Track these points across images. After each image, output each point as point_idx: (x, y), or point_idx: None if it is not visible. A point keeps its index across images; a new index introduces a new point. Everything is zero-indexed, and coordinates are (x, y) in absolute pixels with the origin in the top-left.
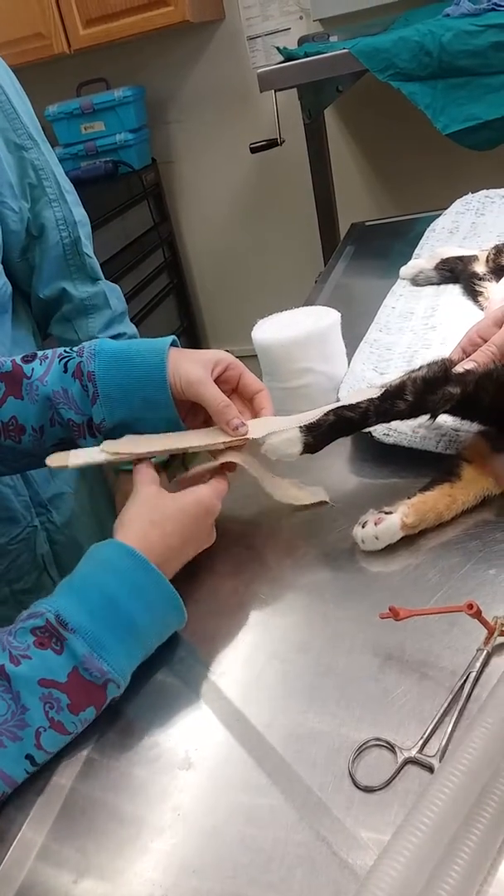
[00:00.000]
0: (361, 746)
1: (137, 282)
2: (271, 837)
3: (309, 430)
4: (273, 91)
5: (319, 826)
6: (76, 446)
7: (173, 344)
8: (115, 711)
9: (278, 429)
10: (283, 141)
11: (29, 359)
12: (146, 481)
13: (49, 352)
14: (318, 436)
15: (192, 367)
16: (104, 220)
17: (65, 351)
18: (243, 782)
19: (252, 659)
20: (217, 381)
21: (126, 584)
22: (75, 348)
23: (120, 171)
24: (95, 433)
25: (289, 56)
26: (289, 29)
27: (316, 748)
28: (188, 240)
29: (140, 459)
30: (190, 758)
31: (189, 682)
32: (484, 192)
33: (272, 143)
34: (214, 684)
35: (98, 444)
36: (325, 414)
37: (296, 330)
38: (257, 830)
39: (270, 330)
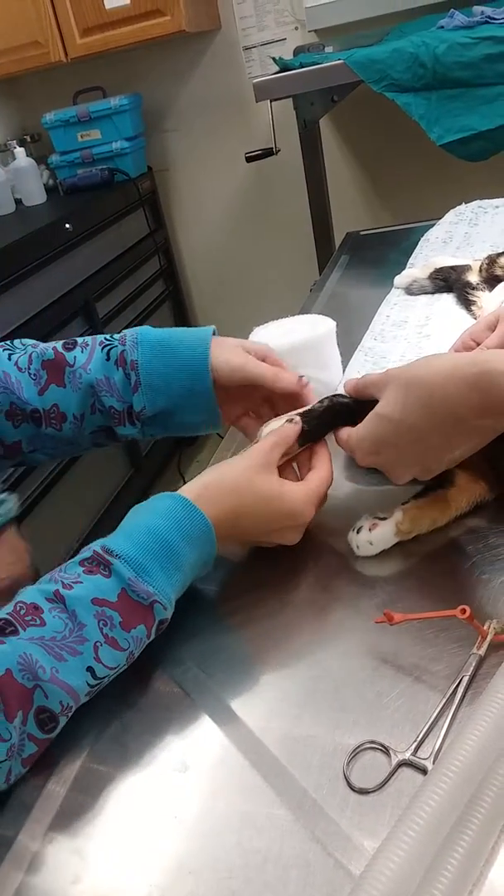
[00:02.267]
0: (356, 749)
1: (133, 289)
2: (267, 839)
3: (302, 417)
4: (269, 101)
5: (314, 828)
6: (114, 433)
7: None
8: (112, 712)
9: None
10: (279, 150)
11: (70, 346)
12: (265, 450)
13: (89, 339)
14: (312, 422)
15: (234, 354)
16: (100, 228)
17: (106, 338)
18: (239, 785)
19: (247, 663)
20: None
21: (165, 518)
22: (116, 336)
23: (116, 179)
24: (135, 420)
25: (284, 66)
26: (284, 39)
27: (311, 751)
28: (184, 247)
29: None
30: (186, 761)
31: (184, 685)
32: (477, 202)
33: (268, 152)
34: (210, 688)
35: (137, 432)
36: (319, 402)
37: (292, 338)
38: (253, 832)
39: (266, 337)
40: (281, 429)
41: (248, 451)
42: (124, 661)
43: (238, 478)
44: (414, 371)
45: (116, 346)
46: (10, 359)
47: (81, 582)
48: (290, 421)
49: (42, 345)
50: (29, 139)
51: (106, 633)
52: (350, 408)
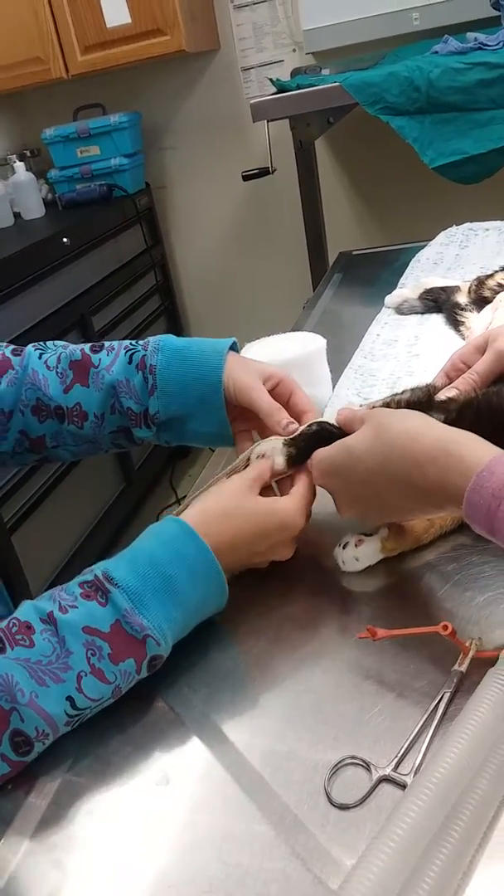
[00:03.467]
0: (337, 765)
1: (129, 303)
2: (247, 854)
3: (292, 441)
4: (266, 121)
5: (295, 843)
6: (132, 435)
7: (232, 347)
8: (94, 727)
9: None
10: (275, 169)
11: (97, 349)
12: (247, 476)
13: (115, 343)
14: (300, 446)
15: (245, 375)
16: (97, 243)
17: (130, 343)
18: (221, 799)
19: (231, 677)
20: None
21: (171, 551)
22: (140, 342)
23: (114, 195)
24: (150, 424)
25: (281, 87)
26: (282, 61)
27: (293, 766)
28: (180, 263)
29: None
30: (168, 774)
31: (167, 699)
32: (468, 224)
33: (264, 172)
34: (193, 702)
35: (152, 435)
36: (309, 425)
37: (282, 355)
38: (233, 847)
39: (258, 354)
40: (263, 461)
41: (229, 480)
42: (109, 694)
43: (227, 503)
44: (390, 419)
45: (139, 350)
46: (40, 358)
47: (77, 607)
48: (261, 456)
49: (72, 346)
50: (29, 154)
51: (93, 663)
52: (336, 437)
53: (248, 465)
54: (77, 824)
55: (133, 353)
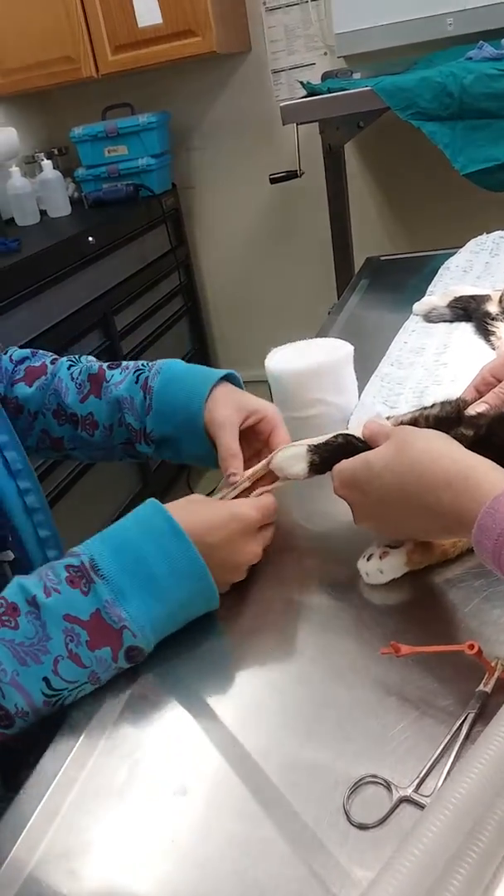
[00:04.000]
0: (357, 783)
1: (152, 303)
2: (264, 870)
3: (316, 449)
4: (295, 124)
5: (313, 861)
6: (135, 449)
7: (233, 379)
8: (113, 733)
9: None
10: (303, 173)
11: (114, 366)
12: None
13: (131, 363)
14: (323, 456)
15: (223, 410)
16: (123, 242)
17: (141, 365)
18: (238, 812)
19: (251, 689)
20: (250, 430)
21: (157, 546)
22: (150, 363)
23: (140, 195)
24: (149, 441)
25: (312, 91)
26: (313, 64)
27: (312, 781)
28: (204, 265)
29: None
30: (186, 785)
31: (188, 708)
32: (499, 232)
33: (292, 175)
34: (213, 712)
35: (152, 452)
36: (334, 436)
37: (309, 361)
38: (250, 862)
39: (284, 360)
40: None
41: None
42: (85, 678)
43: (180, 503)
44: (413, 439)
45: (145, 371)
46: (69, 369)
47: (60, 592)
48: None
49: (95, 361)
50: (56, 152)
51: (70, 648)
52: (360, 450)
53: (268, 468)
54: (92, 833)
55: (140, 374)
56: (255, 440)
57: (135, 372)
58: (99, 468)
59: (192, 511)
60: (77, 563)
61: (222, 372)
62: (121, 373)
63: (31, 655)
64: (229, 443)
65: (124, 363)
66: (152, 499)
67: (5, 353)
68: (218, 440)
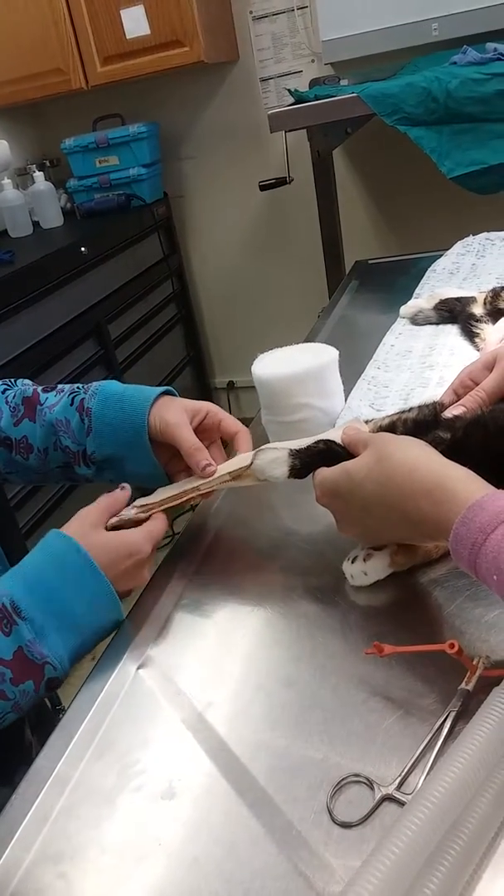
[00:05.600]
0: (340, 782)
1: (146, 312)
2: (250, 870)
3: (297, 454)
4: (283, 131)
5: (298, 860)
6: (74, 472)
7: (170, 393)
8: (101, 739)
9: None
10: (292, 179)
11: (48, 389)
12: (95, 510)
13: (66, 386)
14: (304, 461)
15: (171, 413)
16: (115, 252)
17: (77, 387)
18: (225, 814)
19: (238, 691)
20: (198, 429)
21: (75, 585)
22: (85, 385)
23: (132, 204)
24: (89, 463)
25: (300, 98)
26: (300, 71)
27: (298, 782)
28: (196, 272)
29: (164, 508)
30: (173, 787)
31: (176, 712)
32: (485, 234)
33: (281, 182)
34: (200, 715)
35: (92, 473)
36: (316, 442)
37: (294, 366)
38: (237, 863)
39: (270, 365)
40: (111, 494)
41: (76, 516)
42: (10, 708)
43: (81, 541)
44: (391, 448)
45: (80, 393)
46: (2, 393)
47: None
48: (122, 489)
49: (30, 384)
50: (48, 163)
51: None
52: (341, 457)
53: (250, 468)
54: (82, 837)
55: (75, 396)
56: (204, 438)
57: (70, 394)
58: (80, 493)
59: (96, 544)
60: None
61: (162, 389)
62: (55, 395)
63: None
64: (190, 438)
65: (60, 386)
66: (57, 531)
67: None
68: (177, 439)
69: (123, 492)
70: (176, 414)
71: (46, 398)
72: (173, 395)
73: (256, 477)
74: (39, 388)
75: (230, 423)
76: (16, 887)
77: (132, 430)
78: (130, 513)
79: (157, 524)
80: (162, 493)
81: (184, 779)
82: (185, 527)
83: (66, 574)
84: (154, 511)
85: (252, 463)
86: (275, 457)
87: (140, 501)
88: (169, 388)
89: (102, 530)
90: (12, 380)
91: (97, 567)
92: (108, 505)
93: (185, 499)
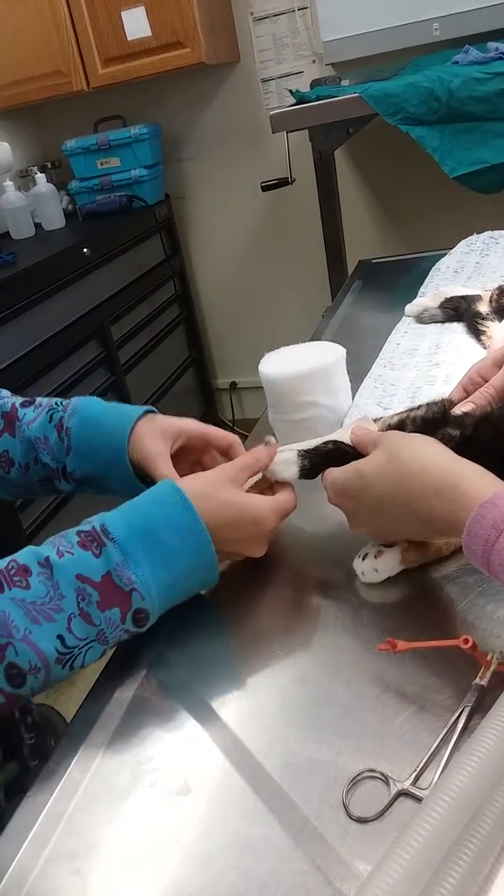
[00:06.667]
0: (355, 777)
1: (148, 313)
2: (266, 865)
3: (306, 454)
4: (285, 132)
5: (315, 855)
6: (54, 485)
7: (151, 411)
8: (114, 736)
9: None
10: (294, 180)
11: (27, 404)
12: (232, 467)
13: (45, 401)
14: (314, 461)
15: (151, 444)
16: (117, 253)
17: (55, 403)
18: (240, 810)
19: (251, 687)
20: (184, 448)
21: (166, 516)
22: (64, 402)
23: (134, 206)
24: (69, 479)
25: (301, 99)
26: (302, 72)
27: (312, 777)
28: (198, 273)
29: None
30: (188, 783)
31: (189, 709)
32: (489, 233)
33: (283, 182)
34: (214, 712)
35: (73, 488)
36: (324, 442)
37: (301, 365)
38: (253, 858)
39: (277, 364)
40: (254, 450)
41: (217, 467)
42: (95, 636)
43: (208, 488)
44: (401, 447)
45: (59, 411)
46: None
47: (73, 554)
48: (267, 444)
49: (8, 397)
50: (50, 165)
51: (82, 607)
52: (350, 456)
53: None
54: (97, 834)
55: (54, 413)
56: (188, 456)
57: (48, 411)
58: (79, 499)
59: (214, 499)
60: (88, 529)
61: (141, 409)
62: (34, 411)
63: (44, 614)
64: (166, 472)
65: (38, 400)
66: (169, 479)
67: None
68: (155, 475)
69: (269, 448)
70: (154, 445)
71: (25, 413)
72: (154, 412)
73: (268, 479)
74: (18, 403)
75: (217, 436)
76: (31, 885)
77: (112, 452)
78: None
79: (287, 497)
80: None
81: (198, 775)
82: None
83: (161, 507)
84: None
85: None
86: (285, 458)
87: None
88: (150, 407)
89: (232, 488)
90: None
91: (190, 503)
92: (247, 464)
93: None
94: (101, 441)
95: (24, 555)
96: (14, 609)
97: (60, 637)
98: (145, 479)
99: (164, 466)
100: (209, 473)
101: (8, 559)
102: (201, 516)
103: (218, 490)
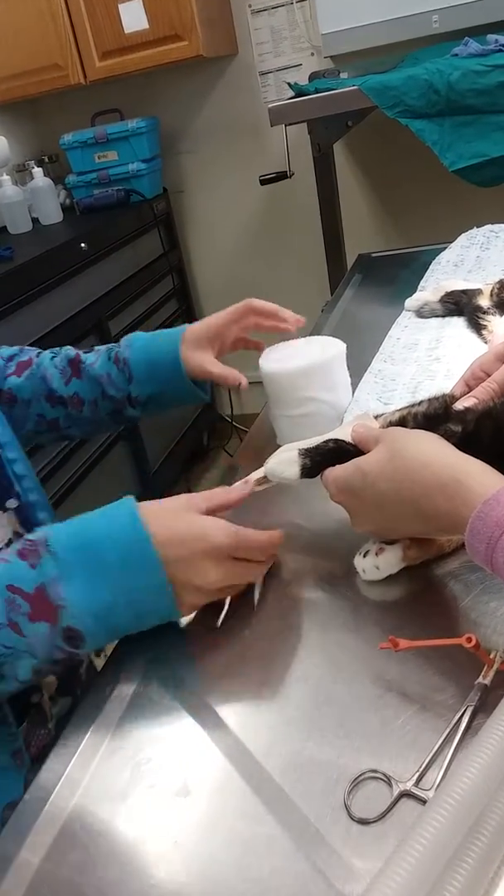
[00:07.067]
0: (357, 778)
1: (146, 308)
2: (268, 867)
3: (307, 453)
4: (283, 125)
5: (316, 857)
6: (123, 415)
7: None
8: (116, 736)
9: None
10: (293, 173)
11: (87, 351)
12: (197, 496)
13: (100, 347)
14: (315, 460)
15: (196, 355)
16: (115, 247)
17: (109, 346)
18: (241, 811)
19: (251, 687)
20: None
21: (111, 533)
22: (117, 343)
23: (132, 200)
24: (135, 404)
25: (300, 91)
26: (300, 65)
27: (314, 778)
28: (197, 268)
29: None
30: (188, 785)
31: (189, 709)
32: (489, 226)
33: (282, 176)
34: (214, 712)
35: (138, 412)
36: (325, 441)
37: (301, 360)
38: (254, 860)
39: (276, 359)
40: (230, 487)
41: (182, 496)
42: (24, 648)
43: (161, 508)
44: (404, 443)
45: (115, 348)
46: (51, 359)
47: (9, 562)
48: (246, 482)
49: (72, 349)
50: (47, 159)
51: (11, 616)
52: (351, 454)
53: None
54: (96, 833)
55: (111, 351)
56: (238, 333)
57: (106, 351)
58: (98, 473)
59: (164, 516)
60: (33, 538)
61: (182, 328)
62: (94, 355)
63: None
64: (216, 371)
65: (96, 347)
66: (127, 496)
67: None
68: (209, 375)
69: (245, 486)
70: (198, 356)
71: (87, 357)
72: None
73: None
74: (81, 352)
75: (240, 312)
76: (30, 886)
77: (169, 369)
78: None
79: (249, 536)
80: None
81: (198, 776)
82: None
83: (110, 524)
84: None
85: (266, 467)
86: (286, 457)
87: None
88: (183, 327)
89: (187, 511)
90: (58, 348)
91: (140, 523)
92: (213, 496)
93: None
94: (156, 363)
95: None
96: None
97: None
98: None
99: (211, 367)
100: (171, 499)
101: None
102: (149, 534)
103: (171, 511)
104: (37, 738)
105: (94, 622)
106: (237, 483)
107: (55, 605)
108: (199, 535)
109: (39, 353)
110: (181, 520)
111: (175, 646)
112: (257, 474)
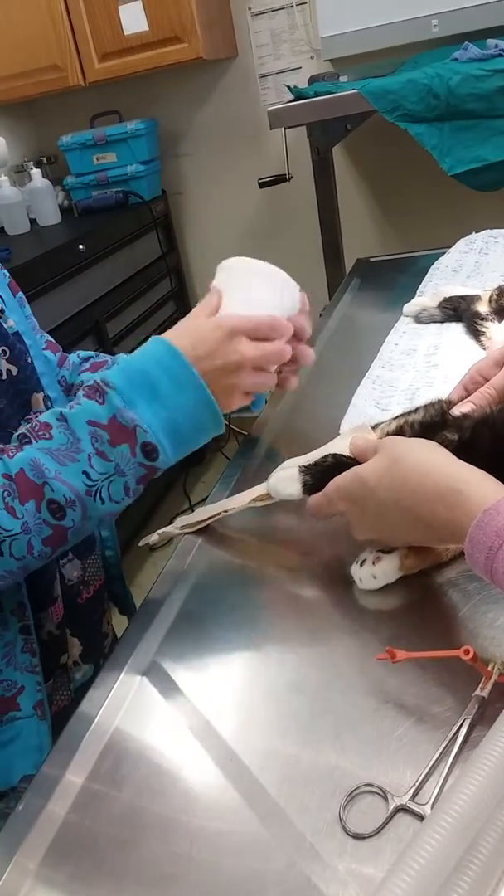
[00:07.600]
0: (353, 792)
1: (144, 310)
2: (261, 882)
3: (307, 470)
4: (283, 128)
5: (311, 872)
6: None
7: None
8: (107, 748)
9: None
10: (292, 177)
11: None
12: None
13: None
14: (316, 476)
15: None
16: (113, 249)
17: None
18: (236, 824)
19: (247, 698)
20: None
21: (156, 363)
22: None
23: (130, 202)
24: None
25: (299, 95)
26: (300, 68)
27: (309, 791)
28: (195, 270)
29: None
30: (184, 800)
31: (182, 720)
32: (488, 231)
33: (280, 179)
34: (208, 723)
35: None
36: (325, 457)
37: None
38: (248, 874)
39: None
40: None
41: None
42: (113, 470)
43: (187, 328)
44: (403, 452)
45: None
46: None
47: (81, 404)
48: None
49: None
50: (45, 161)
51: (97, 447)
52: (350, 468)
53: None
54: (89, 852)
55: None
56: None
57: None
58: None
59: (182, 331)
60: (91, 384)
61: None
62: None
63: (68, 457)
64: None
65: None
66: (155, 335)
67: (75, 353)
68: None
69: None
70: None
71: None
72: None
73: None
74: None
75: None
76: (26, 892)
77: None
78: (174, 531)
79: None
80: (200, 514)
81: (193, 789)
82: (185, 538)
83: (151, 357)
84: (194, 530)
85: (268, 485)
86: (287, 475)
87: (179, 522)
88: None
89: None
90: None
91: (176, 349)
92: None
93: (218, 517)
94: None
95: (46, 415)
96: (43, 456)
97: (85, 473)
98: None
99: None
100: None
101: (33, 422)
102: (183, 353)
103: (188, 320)
104: (58, 698)
105: (164, 435)
106: (240, 494)
107: (130, 427)
108: (214, 326)
109: (114, 360)
110: (197, 324)
111: (167, 657)
112: (259, 490)
